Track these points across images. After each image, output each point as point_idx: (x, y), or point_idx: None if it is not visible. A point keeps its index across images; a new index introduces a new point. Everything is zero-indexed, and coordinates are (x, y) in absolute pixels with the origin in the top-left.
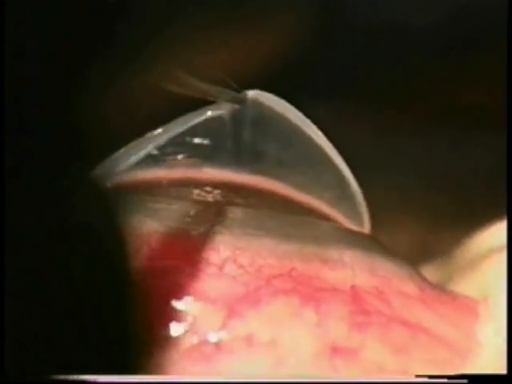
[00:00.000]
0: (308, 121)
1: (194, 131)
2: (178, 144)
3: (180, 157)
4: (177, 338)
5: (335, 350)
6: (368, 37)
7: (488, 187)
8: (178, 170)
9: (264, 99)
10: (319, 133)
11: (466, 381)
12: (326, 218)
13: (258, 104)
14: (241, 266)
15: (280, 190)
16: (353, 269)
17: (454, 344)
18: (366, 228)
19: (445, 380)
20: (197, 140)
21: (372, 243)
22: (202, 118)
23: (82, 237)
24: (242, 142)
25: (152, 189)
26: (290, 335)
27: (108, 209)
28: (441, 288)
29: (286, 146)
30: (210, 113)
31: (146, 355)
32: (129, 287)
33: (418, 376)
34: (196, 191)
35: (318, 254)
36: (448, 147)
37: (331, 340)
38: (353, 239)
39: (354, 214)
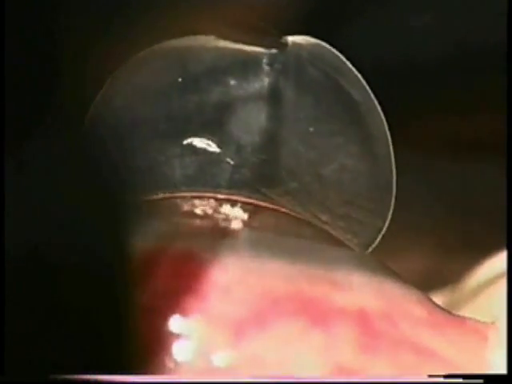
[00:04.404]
0: (354, 71)
1: (231, 73)
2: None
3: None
4: (182, 359)
5: (342, 372)
6: None
7: (495, 217)
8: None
9: (307, 44)
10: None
11: (462, 380)
12: (334, 239)
13: (299, 49)
14: (248, 288)
15: (288, 210)
16: (361, 291)
17: (462, 367)
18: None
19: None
20: (232, 81)
21: (380, 266)
22: (239, 63)
23: (86, 253)
24: (280, 88)
25: (160, 209)
26: (297, 357)
27: (117, 226)
28: (449, 312)
29: (325, 96)
30: (248, 57)
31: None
32: (133, 306)
33: (430, 376)
34: (203, 212)
35: (325, 276)
36: (456, 179)
37: (338, 362)
38: (361, 262)
39: (365, 230)
